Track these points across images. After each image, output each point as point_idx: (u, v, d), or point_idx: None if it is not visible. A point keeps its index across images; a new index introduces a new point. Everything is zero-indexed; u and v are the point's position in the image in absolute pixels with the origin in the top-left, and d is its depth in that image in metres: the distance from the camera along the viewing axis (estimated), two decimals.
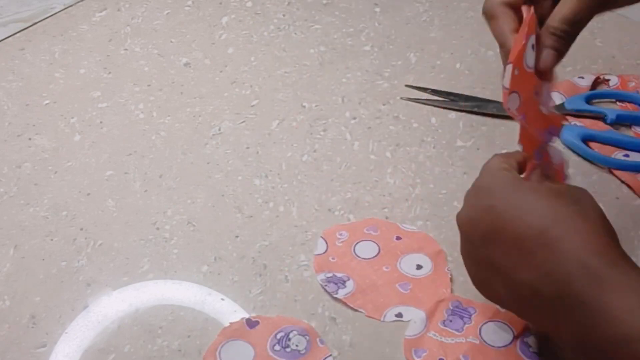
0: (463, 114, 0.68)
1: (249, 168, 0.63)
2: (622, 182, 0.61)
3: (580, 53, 0.74)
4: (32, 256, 0.56)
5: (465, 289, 0.52)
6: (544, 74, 0.47)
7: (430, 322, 0.50)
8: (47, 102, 0.69)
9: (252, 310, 0.52)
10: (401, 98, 0.70)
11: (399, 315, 0.51)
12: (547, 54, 0.46)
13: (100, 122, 0.67)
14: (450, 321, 0.50)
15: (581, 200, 0.42)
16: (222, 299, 0.53)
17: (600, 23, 0.77)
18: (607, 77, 0.70)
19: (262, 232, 0.58)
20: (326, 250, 0.55)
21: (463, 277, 0.53)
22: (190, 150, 0.64)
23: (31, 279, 0.54)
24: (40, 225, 0.58)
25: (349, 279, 0.53)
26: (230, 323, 0.51)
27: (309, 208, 0.59)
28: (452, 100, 0.69)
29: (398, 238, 0.56)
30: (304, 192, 0.61)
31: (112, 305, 0.53)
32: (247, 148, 0.65)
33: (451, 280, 0.53)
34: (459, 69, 0.72)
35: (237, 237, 0.57)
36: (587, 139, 0.64)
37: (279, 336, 0.49)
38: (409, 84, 0.71)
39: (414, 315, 0.51)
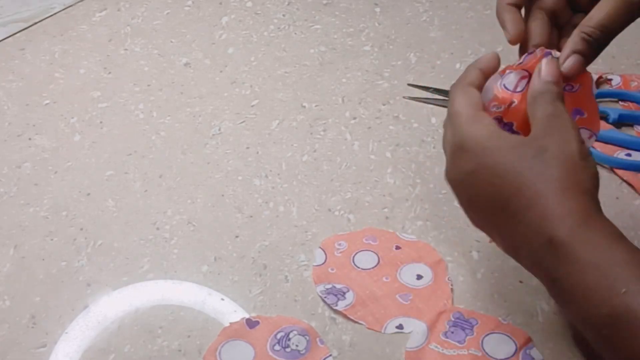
0: None
1: (249, 168, 0.63)
2: (624, 181, 0.61)
3: None
4: (32, 256, 0.56)
5: (467, 299, 0.53)
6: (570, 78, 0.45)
7: (431, 333, 0.50)
8: (47, 102, 0.69)
9: (252, 310, 0.52)
10: (403, 97, 0.70)
11: (400, 326, 0.51)
12: (575, 61, 0.45)
13: (100, 122, 0.67)
14: (452, 332, 0.50)
15: (548, 148, 0.41)
16: (222, 299, 0.53)
17: None
18: (609, 76, 0.70)
19: (262, 232, 0.58)
20: (325, 261, 0.55)
21: (465, 286, 0.53)
22: (190, 150, 0.64)
23: (31, 279, 0.54)
24: (40, 225, 0.58)
25: (348, 290, 0.53)
26: (231, 323, 0.51)
27: (309, 208, 0.59)
28: None
29: (397, 247, 0.56)
30: (304, 192, 0.61)
31: (112, 305, 0.53)
32: (247, 148, 0.65)
33: (452, 290, 0.53)
34: (459, 69, 0.72)
35: (237, 237, 0.57)
36: None
37: (279, 336, 0.49)
38: (410, 82, 0.71)
39: (415, 327, 0.50)
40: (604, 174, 0.62)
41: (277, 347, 0.49)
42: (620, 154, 0.63)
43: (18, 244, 0.57)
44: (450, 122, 0.45)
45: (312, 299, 0.53)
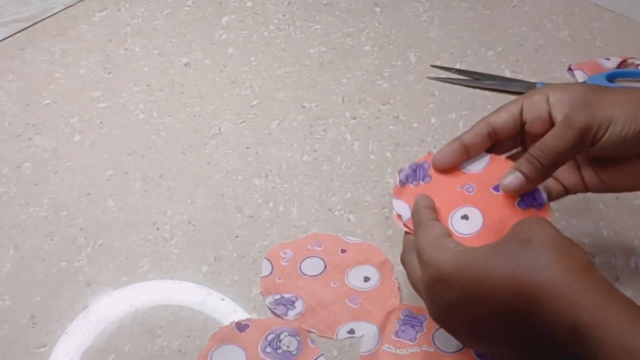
0: (463, 114, 0.68)
1: (249, 168, 0.63)
2: None
3: (580, 53, 0.74)
4: (32, 256, 0.56)
5: (414, 296, 0.52)
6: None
7: (382, 335, 0.50)
8: (47, 102, 0.69)
9: (252, 310, 0.52)
10: (427, 77, 0.71)
11: (351, 331, 0.50)
12: (514, 178, 0.44)
13: (100, 122, 0.67)
14: (403, 331, 0.50)
15: (532, 238, 0.39)
16: (222, 299, 0.53)
17: (600, 23, 0.77)
18: (636, 61, 0.72)
19: (262, 232, 0.58)
20: (271, 272, 0.54)
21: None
22: (190, 150, 0.64)
23: (31, 279, 0.54)
24: (40, 225, 0.58)
25: (297, 299, 0.52)
26: (220, 328, 0.50)
27: (309, 208, 0.59)
28: (476, 79, 0.71)
29: (343, 251, 0.55)
30: (304, 192, 0.61)
31: (112, 305, 0.53)
32: (247, 148, 0.65)
33: (399, 289, 0.53)
34: (459, 69, 0.72)
35: (237, 237, 0.57)
36: None
37: (269, 338, 0.49)
38: (434, 64, 0.73)
39: (366, 330, 0.50)
40: None
41: (268, 349, 0.49)
42: None
43: (18, 244, 0.57)
44: (419, 262, 0.43)
45: None
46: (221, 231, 0.58)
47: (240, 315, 0.52)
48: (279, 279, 0.53)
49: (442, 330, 0.47)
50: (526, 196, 0.46)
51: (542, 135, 0.44)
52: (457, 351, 0.48)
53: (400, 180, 0.48)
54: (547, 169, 0.44)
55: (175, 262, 0.56)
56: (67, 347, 0.50)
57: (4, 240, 0.57)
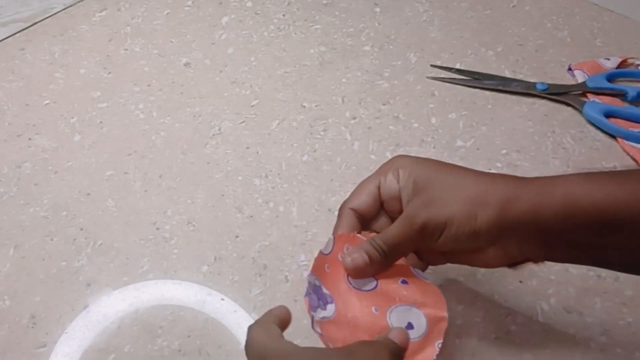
0: (463, 114, 0.68)
1: (249, 168, 0.63)
2: (629, 156, 0.64)
3: (580, 54, 0.74)
4: (32, 256, 0.56)
5: (468, 299, 0.52)
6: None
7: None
8: (47, 102, 0.69)
9: (252, 310, 0.52)
10: (427, 77, 0.71)
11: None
12: (360, 256, 0.45)
13: (100, 122, 0.67)
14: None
15: (354, 351, 0.40)
16: (222, 299, 0.53)
17: (600, 23, 0.77)
18: (636, 61, 0.73)
19: (262, 232, 0.58)
20: (330, 252, 0.47)
21: (465, 286, 0.53)
22: (190, 150, 0.64)
23: (31, 279, 0.54)
24: (40, 225, 0.58)
25: (332, 302, 0.46)
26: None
27: (309, 208, 0.59)
28: (476, 79, 0.71)
29: (404, 282, 0.47)
30: (304, 192, 0.61)
31: (112, 305, 0.53)
32: (247, 148, 0.65)
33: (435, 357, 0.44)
34: (459, 69, 0.72)
35: (237, 237, 0.57)
36: (608, 115, 0.66)
37: None
38: (434, 64, 0.73)
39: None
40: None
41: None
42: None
43: (18, 244, 0.57)
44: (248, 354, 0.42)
45: None
46: (221, 231, 0.58)
47: (240, 315, 0.52)
48: (328, 268, 0.47)
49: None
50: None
51: (400, 212, 0.46)
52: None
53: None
54: (388, 259, 0.45)
55: (175, 262, 0.56)
56: (67, 347, 0.50)
57: (4, 240, 0.57)
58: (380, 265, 0.45)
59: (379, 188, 0.47)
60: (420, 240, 0.45)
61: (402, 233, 0.45)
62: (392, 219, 0.47)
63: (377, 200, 0.48)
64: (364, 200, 0.48)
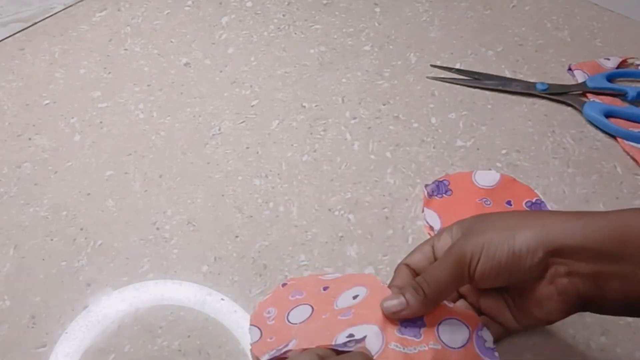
0: (463, 114, 0.68)
1: (249, 168, 0.63)
2: (629, 155, 0.64)
3: (580, 53, 0.74)
4: (32, 256, 0.56)
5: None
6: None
7: (385, 333, 0.46)
8: (47, 102, 0.69)
9: (252, 310, 0.52)
10: (427, 77, 0.71)
11: (351, 335, 0.45)
12: (398, 304, 0.44)
13: (100, 122, 0.67)
14: (405, 327, 0.46)
15: None
16: (222, 299, 0.53)
17: (600, 23, 0.77)
18: (636, 61, 0.73)
19: (262, 232, 0.58)
20: (261, 336, 0.49)
21: None
22: (190, 150, 0.64)
23: (31, 279, 0.54)
24: (40, 225, 0.58)
25: (292, 340, 0.47)
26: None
27: (309, 208, 0.59)
28: (476, 79, 0.71)
29: (325, 288, 0.51)
30: (304, 192, 0.61)
31: (112, 305, 0.53)
32: (247, 148, 0.65)
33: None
34: (459, 68, 0.72)
35: (237, 237, 0.57)
36: (608, 115, 0.66)
37: None
38: (434, 64, 0.73)
39: (367, 331, 0.45)
40: (603, 173, 0.62)
41: None
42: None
43: (18, 244, 0.57)
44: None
45: None
46: (221, 231, 0.58)
47: (240, 315, 0.52)
48: (271, 338, 0.49)
49: (445, 324, 0.46)
50: (534, 207, 0.57)
51: None
52: (462, 346, 0.47)
53: (427, 193, 0.56)
54: (430, 300, 0.44)
55: (175, 262, 0.56)
56: (67, 347, 0.50)
57: (4, 240, 0.57)
58: (420, 308, 0.45)
59: (432, 247, 0.48)
60: (461, 273, 0.44)
61: (442, 266, 0.44)
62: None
63: (429, 259, 0.48)
64: (418, 259, 0.48)
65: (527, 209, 0.58)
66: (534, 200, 0.59)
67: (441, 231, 0.48)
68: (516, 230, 0.42)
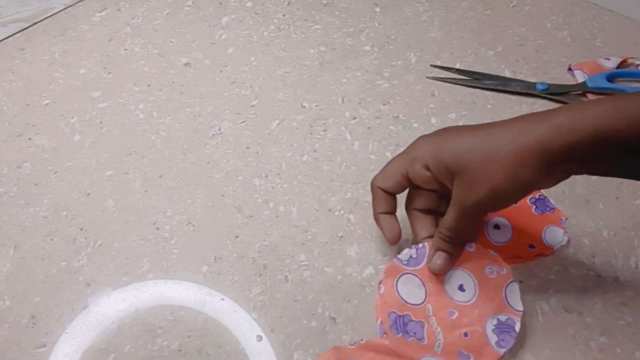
0: (463, 114, 0.68)
1: (249, 168, 0.63)
2: None
3: (580, 53, 0.74)
4: (32, 256, 0.56)
5: None
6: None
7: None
8: (47, 102, 0.69)
9: (252, 310, 0.52)
10: (427, 77, 0.71)
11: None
12: (438, 257, 0.51)
13: (100, 122, 0.67)
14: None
15: None
16: (222, 299, 0.53)
17: (600, 23, 0.77)
18: (636, 61, 0.73)
19: (262, 232, 0.58)
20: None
21: None
22: (190, 150, 0.64)
23: (31, 279, 0.54)
24: (40, 225, 0.58)
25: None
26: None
27: (309, 208, 0.59)
28: (476, 79, 0.71)
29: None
30: (304, 192, 0.61)
31: (112, 305, 0.53)
32: (247, 148, 0.65)
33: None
34: (459, 68, 0.72)
35: (237, 237, 0.57)
36: None
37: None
38: (434, 64, 0.73)
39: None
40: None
41: None
42: None
43: (18, 244, 0.57)
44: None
45: (312, 299, 0.53)
46: (221, 231, 0.58)
47: (240, 315, 0.52)
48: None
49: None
50: (539, 203, 0.58)
51: (441, 188, 0.51)
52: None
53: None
54: (460, 244, 0.51)
55: (175, 262, 0.56)
56: (67, 347, 0.50)
57: (4, 240, 0.57)
58: (456, 254, 0.51)
59: (406, 176, 0.52)
60: (479, 218, 0.49)
61: (459, 217, 0.49)
62: (431, 191, 0.52)
63: (403, 186, 0.53)
64: (391, 185, 0.53)
65: (531, 205, 0.58)
66: (537, 197, 0.59)
67: (412, 160, 0.51)
68: (517, 168, 0.45)
